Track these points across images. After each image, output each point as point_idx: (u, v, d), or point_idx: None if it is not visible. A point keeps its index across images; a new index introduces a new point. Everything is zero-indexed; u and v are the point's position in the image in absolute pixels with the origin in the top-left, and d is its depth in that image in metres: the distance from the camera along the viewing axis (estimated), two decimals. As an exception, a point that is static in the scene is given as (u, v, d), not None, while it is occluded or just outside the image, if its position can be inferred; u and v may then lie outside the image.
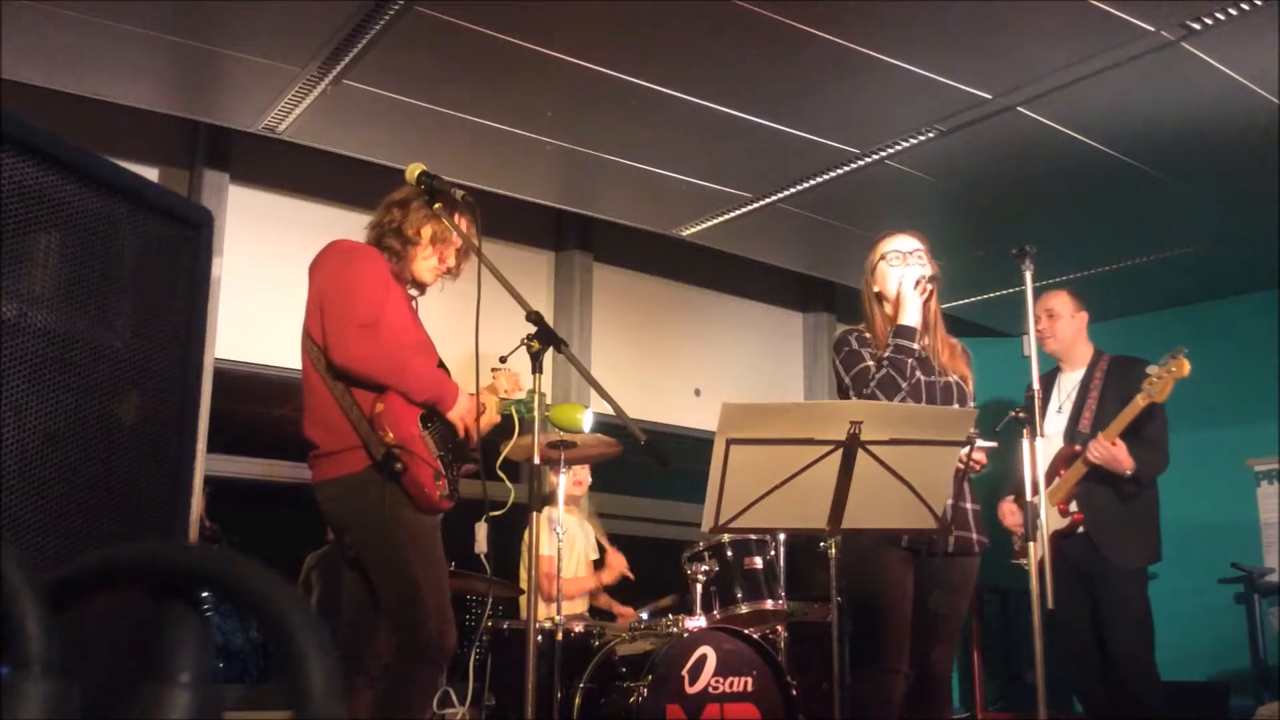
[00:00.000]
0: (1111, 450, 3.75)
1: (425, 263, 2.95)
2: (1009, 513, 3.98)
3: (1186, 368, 3.66)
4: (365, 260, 2.86)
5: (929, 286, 3.09)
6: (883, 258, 3.19)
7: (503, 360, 2.80)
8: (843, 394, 3.16)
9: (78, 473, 1.53)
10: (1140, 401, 3.74)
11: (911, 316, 3.08)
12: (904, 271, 3.13)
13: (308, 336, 2.85)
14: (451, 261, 2.99)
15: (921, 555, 3.05)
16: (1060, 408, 4.05)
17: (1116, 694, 3.82)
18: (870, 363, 3.09)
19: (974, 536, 3.09)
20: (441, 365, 3.00)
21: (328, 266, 2.87)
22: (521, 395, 3.05)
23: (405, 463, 2.66)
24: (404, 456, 2.67)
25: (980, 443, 2.86)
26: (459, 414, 2.89)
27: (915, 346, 3.06)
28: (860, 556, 2.94)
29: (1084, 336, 4.15)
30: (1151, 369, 3.75)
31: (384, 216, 2.95)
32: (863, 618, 3.02)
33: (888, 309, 3.18)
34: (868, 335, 3.18)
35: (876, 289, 3.20)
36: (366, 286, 2.81)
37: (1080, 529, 3.88)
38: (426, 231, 2.89)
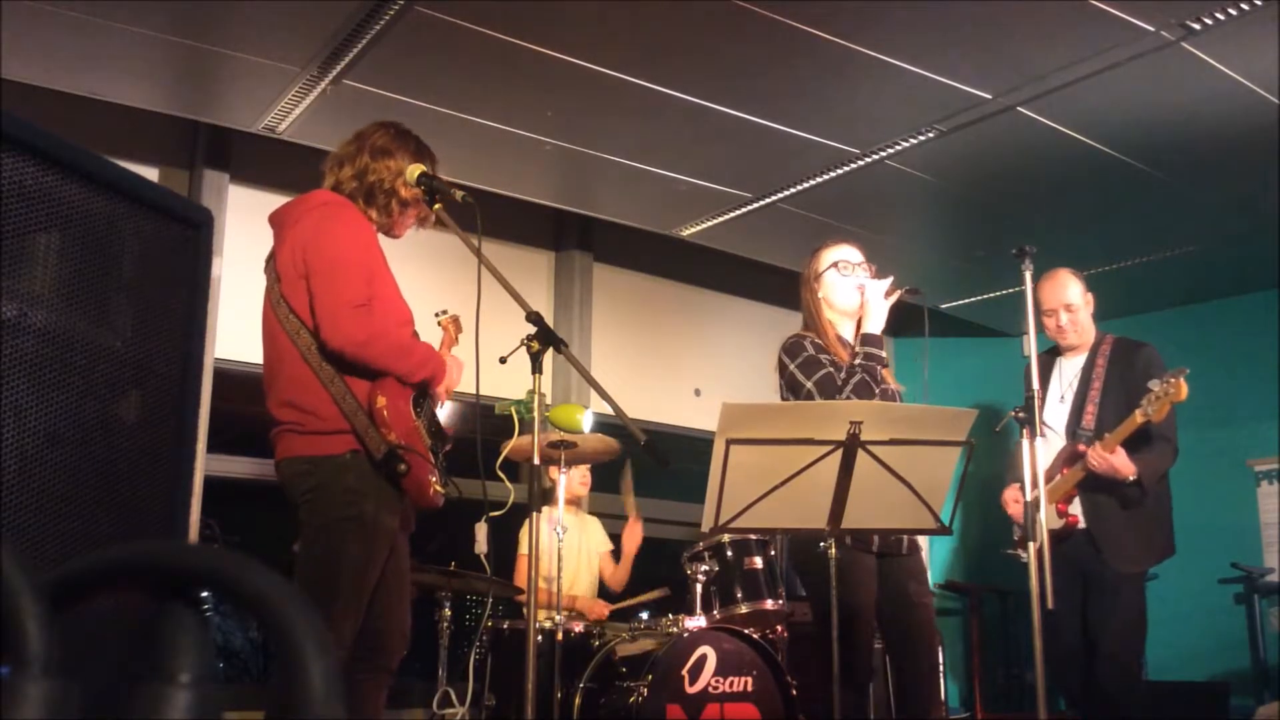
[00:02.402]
0: (1110, 460, 3.57)
1: (408, 221, 2.80)
2: (1012, 500, 3.82)
3: (1184, 391, 3.47)
4: (351, 225, 2.61)
5: (895, 296, 3.12)
6: (834, 265, 3.23)
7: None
8: (796, 398, 3.14)
9: (78, 473, 1.53)
10: (1138, 418, 3.55)
11: (878, 325, 3.11)
12: (861, 280, 3.18)
13: (283, 304, 2.57)
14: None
15: (886, 556, 3.10)
16: (1062, 396, 3.83)
17: (1098, 695, 3.75)
18: (831, 369, 3.10)
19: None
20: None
21: (306, 227, 2.58)
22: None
23: (409, 463, 2.49)
24: (408, 456, 2.49)
25: None
26: (446, 386, 2.73)
27: (883, 354, 3.10)
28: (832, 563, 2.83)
29: (1092, 320, 3.91)
30: (1153, 384, 3.54)
31: (370, 172, 2.67)
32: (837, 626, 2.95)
33: (834, 316, 3.23)
34: (819, 340, 3.20)
35: (822, 294, 3.24)
36: (358, 257, 2.56)
37: (1080, 525, 3.73)
38: (419, 193, 2.69)
